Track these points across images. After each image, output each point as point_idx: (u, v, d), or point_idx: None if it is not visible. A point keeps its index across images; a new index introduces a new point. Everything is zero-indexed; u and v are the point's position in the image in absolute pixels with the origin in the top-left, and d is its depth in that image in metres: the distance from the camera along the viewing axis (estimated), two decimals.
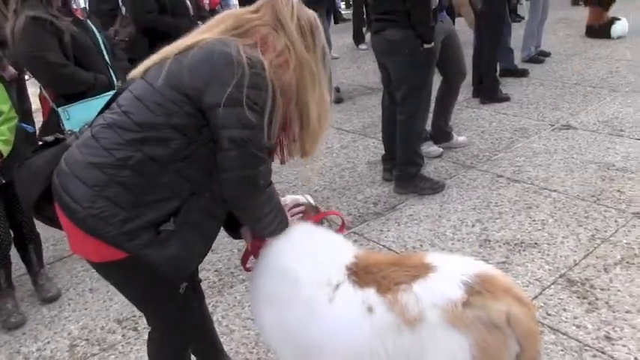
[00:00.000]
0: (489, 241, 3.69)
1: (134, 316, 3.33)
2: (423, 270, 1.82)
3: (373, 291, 1.85)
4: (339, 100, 6.99)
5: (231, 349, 2.96)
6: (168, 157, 1.80)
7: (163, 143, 1.79)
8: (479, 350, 1.70)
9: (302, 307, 1.96)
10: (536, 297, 3.12)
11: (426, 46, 4.09)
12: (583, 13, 9.11)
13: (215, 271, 3.72)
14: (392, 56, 4.25)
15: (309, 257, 2.02)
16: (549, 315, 2.98)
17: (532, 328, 1.75)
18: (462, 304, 1.71)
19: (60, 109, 3.50)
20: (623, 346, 2.73)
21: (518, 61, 7.39)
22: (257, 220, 1.99)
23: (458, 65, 4.80)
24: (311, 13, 2.03)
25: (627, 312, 2.94)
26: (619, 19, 8.35)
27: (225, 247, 3.95)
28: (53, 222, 1.96)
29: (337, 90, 7.20)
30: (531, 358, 1.77)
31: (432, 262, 1.84)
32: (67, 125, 3.45)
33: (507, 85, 6.69)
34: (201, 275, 3.52)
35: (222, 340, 2.83)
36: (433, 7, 4.15)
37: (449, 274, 1.78)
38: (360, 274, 1.92)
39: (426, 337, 1.76)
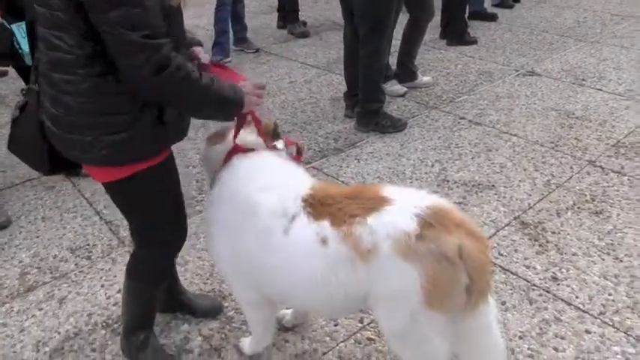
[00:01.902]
0: (447, 181, 3.70)
1: (87, 245, 3.26)
2: (378, 203, 1.79)
3: (328, 223, 1.82)
4: (305, 35, 6.83)
5: (185, 279, 2.93)
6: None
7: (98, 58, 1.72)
8: (429, 281, 1.70)
9: (257, 237, 1.94)
10: (490, 238, 3.16)
11: None
12: None
13: None
14: None
15: (265, 188, 1.97)
16: (501, 255, 3.03)
17: (483, 262, 1.75)
18: (414, 237, 1.69)
19: (14, 27, 3.23)
20: (567, 286, 2.80)
21: (488, 4, 7.31)
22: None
23: (425, 4, 4.70)
24: None
25: (574, 254, 3.01)
26: None
27: (183, 179, 3.83)
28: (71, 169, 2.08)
29: (304, 24, 7.03)
30: (481, 290, 1.78)
31: (388, 194, 1.82)
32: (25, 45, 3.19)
33: (475, 29, 6.62)
34: None
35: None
36: None
37: (403, 207, 1.76)
38: (316, 206, 1.89)
39: (378, 268, 1.75)
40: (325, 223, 1.82)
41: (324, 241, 1.81)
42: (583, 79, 5.22)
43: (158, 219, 2.12)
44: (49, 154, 1.95)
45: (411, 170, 3.84)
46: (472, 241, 1.74)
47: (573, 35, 6.43)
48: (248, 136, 2.18)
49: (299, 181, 2.01)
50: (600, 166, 3.82)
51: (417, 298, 1.72)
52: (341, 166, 3.92)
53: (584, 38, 6.32)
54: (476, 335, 1.93)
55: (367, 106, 4.32)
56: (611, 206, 3.40)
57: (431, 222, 1.72)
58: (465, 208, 3.41)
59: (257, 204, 1.93)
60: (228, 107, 1.92)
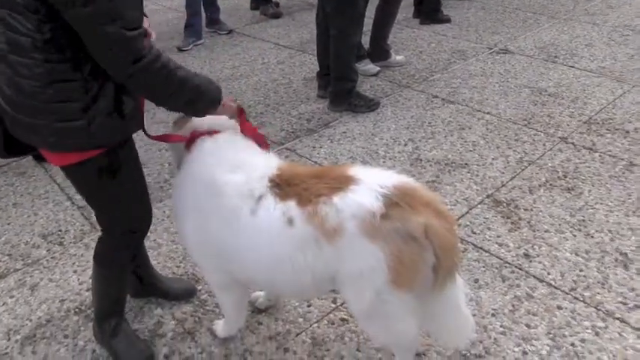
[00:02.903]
0: (421, 160, 3.70)
1: (60, 231, 3.21)
2: (344, 182, 1.78)
3: (294, 203, 1.80)
4: (277, 15, 6.76)
5: (158, 263, 2.90)
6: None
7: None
8: (394, 261, 1.69)
9: (223, 219, 1.92)
10: (463, 216, 3.17)
11: None
12: None
13: None
14: None
15: (232, 169, 1.95)
16: (474, 233, 3.04)
17: (450, 241, 1.75)
18: (380, 216, 1.68)
19: None
20: (539, 262, 2.81)
21: None
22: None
23: None
24: None
25: (546, 231, 3.02)
26: None
27: (156, 162, 3.83)
28: (24, 153, 2.01)
29: (277, 5, 6.95)
30: (448, 269, 1.78)
31: (354, 174, 1.80)
32: None
33: (449, 7, 6.59)
34: None
35: (149, 254, 2.77)
36: None
37: (369, 186, 1.74)
38: (283, 186, 1.86)
39: (344, 247, 1.74)
40: (292, 203, 1.80)
41: (290, 222, 1.78)
42: (555, 57, 5.23)
43: (115, 206, 2.08)
44: (5, 136, 1.90)
45: (384, 150, 3.82)
46: (439, 220, 1.73)
47: (546, 12, 6.44)
48: (216, 116, 2.14)
49: (265, 162, 1.99)
50: (572, 143, 3.83)
51: (383, 278, 1.72)
52: (314, 147, 3.90)
53: (557, 15, 6.33)
54: (445, 313, 1.94)
55: (339, 86, 4.29)
56: (582, 183, 3.42)
57: (397, 201, 1.70)
58: (438, 186, 3.41)
59: (222, 185, 1.90)
60: (205, 100, 1.90)
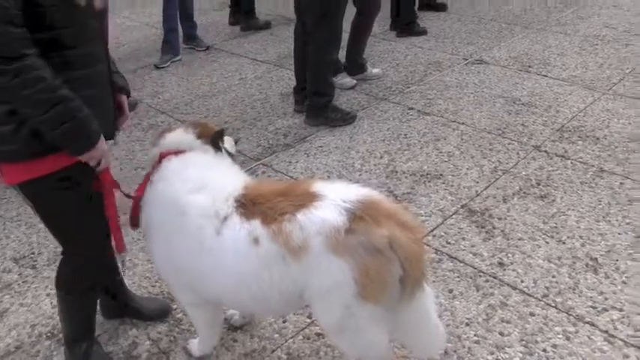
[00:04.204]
0: (396, 172, 3.73)
1: (32, 254, 3.18)
2: (308, 199, 1.80)
3: (259, 222, 1.82)
4: (260, 26, 6.77)
5: (133, 283, 2.90)
6: None
7: None
8: (361, 274, 1.71)
9: (189, 239, 1.93)
10: (437, 226, 3.20)
11: None
12: None
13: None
14: None
15: (197, 189, 1.97)
16: (449, 243, 3.06)
17: (415, 251, 1.77)
18: (344, 231, 1.70)
19: None
20: (513, 270, 2.85)
21: None
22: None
23: None
24: None
25: (520, 239, 3.06)
26: None
27: (132, 180, 3.78)
28: None
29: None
30: (416, 280, 1.81)
31: (318, 190, 1.82)
32: None
33: (425, 19, 6.66)
34: None
35: (124, 274, 2.76)
36: None
37: (333, 201, 1.76)
38: (248, 205, 1.89)
39: (310, 264, 1.76)
40: (257, 223, 1.82)
41: (256, 241, 1.81)
42: (529, 66, 5.31)
43: (73, 227, 2.06)
44: None
45: (360, 163, 3.85)
46: (403, 231, 1.75)
47: (520, 23, 6.53)
48: (182, 136, 2.16)
49: (231, 181, 2.01)
50: (545, 151, 3.89)
51: (350, 292, 1.74)
52: (290, 162, 3.91)
53: (531, 26, 6.42)
54: (415, 324, 1.96)
55: (316, 101, 4.32)
56: (555, 190, 3.46)
57: (361, 215, 1.73)
58: (413, 198, 3.44)
59: (187, 205, 1.92)
60: (79, 135, 1.80)
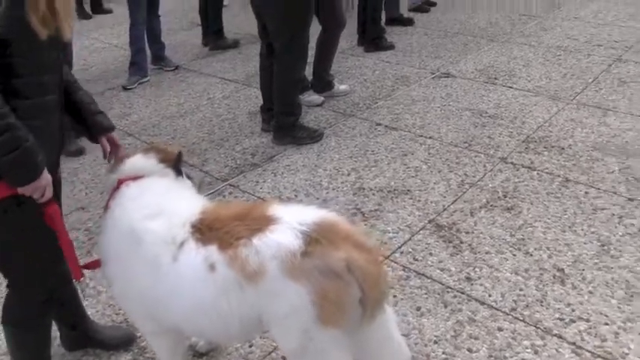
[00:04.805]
0: (363, 189, 3.72)
1: None
2: (264, 222, 1.78)
3: (215, 248, 1.80)
4: (229, 45, 6.76)
5: (97, 311, 2.83)
6: None
7: None
8: (319, 298, 1.69)
9: (145, 266, 1.90)
10: (405, 243, 3.19)
11: None
12: None
13: (85, 230, 3.52)
14: (267, 6, 4.09)
15: (155, 215, 1.94)
16: (416, 260, 3.05)
17: (373, 273, 1.75)
18: (300, 255, 1.68)
19: None
20: (481, 285, 2.84)
21: (404, 9, 7.43)
22: None
23: (335, 15, 4.73)
24: None
25: (487, 253, 3.06)
26: None
27: (97, 205, 3.76)
28: None
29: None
30: (375, 301, 1.79)
31: (274, 213, 1.80)
32: None
33: (393, 34, 6.70)
34: (70, 235, 3.34)
35: (87, 302, 2.71)
36: None
37: (288, 225, 1.74)
38: (204, 230, 1.86)
39: (267, 289, 1.73)
40: (213, 248, 1.79)
41: (212, 267, 1.77)
42: (495, 78, 5.36)
43: (17, 257, 2.01)
44: None
45: (328, 181, 3.84)
46: (361, 253, 1.74)
47: (486, 36, 6.61)
48: (142, 161, 2.13)
49: (188, 206, 1.97)
50: (512, 163, 3.91)
51: (309, 316, 1.71)
52: (257, 182, 3.88)
53: (496, 38, 6.50)
54: (378, 345, 1.94)
55: (283, 121, 4.31)
56: (522, 201, 3.48)
57: (317, 238, 1.71)
58: (380, 215, 3.43)
59: (143, 232, 1.88)
60: (25, 165, 1.76)
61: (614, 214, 3.30)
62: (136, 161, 2.11)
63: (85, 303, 2.64)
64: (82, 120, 2.16)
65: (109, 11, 8.73)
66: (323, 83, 5.07)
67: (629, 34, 6.33)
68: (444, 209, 3.46)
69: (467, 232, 3.24)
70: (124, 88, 5.72)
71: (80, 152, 4.36)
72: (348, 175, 3.89)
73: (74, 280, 2.18)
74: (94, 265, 2.14)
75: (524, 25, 6.90)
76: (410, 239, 3.21)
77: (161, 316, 1.99)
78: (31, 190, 1.81)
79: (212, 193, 3.77)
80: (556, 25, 6.82)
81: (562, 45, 6.10)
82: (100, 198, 3.82)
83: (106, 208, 2.09)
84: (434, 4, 7.91)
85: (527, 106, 4.74)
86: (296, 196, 3.68)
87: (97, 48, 7.13)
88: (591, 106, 4.66)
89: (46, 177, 1.83)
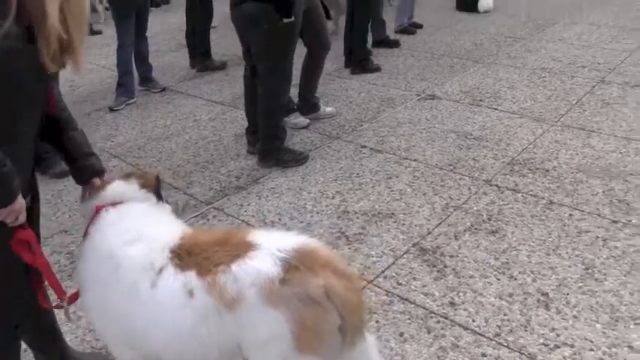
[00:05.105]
0: (348, 212, 3.70)
1: None
2: (243, 248, 1.76)
3: (194, 274, 1.77)
4: (217, 67, 6.77)
5: (76, 337, 2.79)
6: None
7: None
8: (298, 326, 1.67)
9: (123, 292, 1.87)
10: (388, 267, 3.17)
11: (286, 20, 3.93)
12: None
13: (67, 253, 3.48)
14: (251, 31, 4.08)
15: (132, 240, 1.91)
16: (400, 285, 3.03)
17: (352, 300, 1.74)
18: (279, 282, 1.66)
19: None
20: (464, 310, 2.82)
21: (391, 32, 7.50)
22: None
23: (320, 37, 4.75)
24: None
25: (471, 277, 3.05)
26: None
27: (80, 229, 3.70)
28: None
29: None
30: (355, 327, 1.77)
31: (253, 239, 1.78)
32: None
33: (379, 56, 6.75)
34: (51, 258, 3.31)
35: (67, 328, 2.66)
36: None
37: (268, 251, 1.73)
38: (183, 256, 1.84)
39: (245, 316, 1.71)
40: (192, 274, 1.77)
41: (190, 293, 1.75)
42: (480, 100, 5.40)
43: None
44: None
45: (312, 204, 3.82)
46: (339, 279, 1.72)
47: (471, 57, 6.67)
48: (122, 187, 2.11)
49: (168, 232, 1.95)
50: (496, 185, 3.92)
51: (287, 344, 1.69)
52: (242, 205, 3.86)
53: (482, 60, 6.56)
54: None
55: (268, 144, 4.30)
56: (506, 224, 3.48)
57: (296, 265, 1.69)
58: (364, 238, 3.41)
59: (121, 258, 1.86)
60: (2, 189, 1.73)
61: (598, 237, 3.31)
62: (117, 187, 2.09)
63: (64, 328, 2.60)
64: (71, 160, 2.14)
65: (98, 32, 8.74)
66: (309, 105, 5.08)
67: (612, 56, 6.42)
68: (429, 233, 3.45)
69: (451, 256, 3.23)
70: (111, 110, 5.71)
71: (64, 174, 4.32)
72: (333, 198, 3.88)
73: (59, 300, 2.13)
74: (75, 297, 2.10)
75: (510, 46, 6.98)
76: (394, 263, 3.20)
77: (140, 344, 1.95)
78: (5, 215, 1.79)
79: (196, 216, 3.74)
80: (541, 46, 6.91)
81: (547, 67, 6.17)
82: (83, 221, 3.78)
83: (86, 234, 2.07)
84: (420, 26, 7.99)
85: (512, 127, 4.77)
86: (280, 219, 3.66)
87: (84, 69, 7.10)
88: (575, 127, 4.70)
89: (20, 201, 1.81)
